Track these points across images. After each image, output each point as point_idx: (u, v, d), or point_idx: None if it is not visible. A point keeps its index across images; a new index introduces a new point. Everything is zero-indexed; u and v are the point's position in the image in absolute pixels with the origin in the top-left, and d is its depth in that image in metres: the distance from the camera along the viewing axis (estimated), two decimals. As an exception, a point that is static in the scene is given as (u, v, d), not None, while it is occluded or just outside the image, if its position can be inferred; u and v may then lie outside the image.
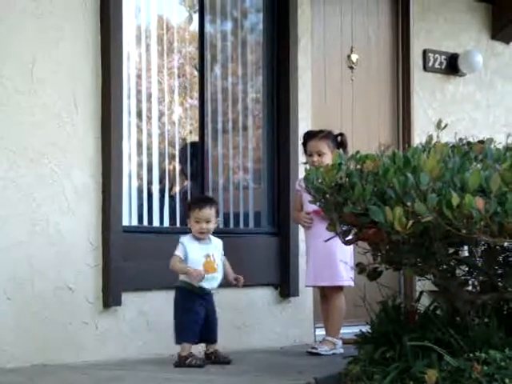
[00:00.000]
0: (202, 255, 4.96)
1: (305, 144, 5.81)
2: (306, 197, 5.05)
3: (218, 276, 5.00)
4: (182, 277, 4.96)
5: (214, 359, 4.96)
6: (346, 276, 5.56)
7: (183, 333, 4.92)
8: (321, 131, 5.80)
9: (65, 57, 5.26)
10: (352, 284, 5.58)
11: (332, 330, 5.66)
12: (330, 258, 5.55)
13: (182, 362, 4.84)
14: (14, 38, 5.07)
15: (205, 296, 4.97)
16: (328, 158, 5.54)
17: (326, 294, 5.73)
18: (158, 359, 5.12)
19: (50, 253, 5.13)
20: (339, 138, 5.73)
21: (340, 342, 5.61)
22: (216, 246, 5.06)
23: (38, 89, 5.14)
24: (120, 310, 5.38)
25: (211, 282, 4.95)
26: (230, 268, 5.14)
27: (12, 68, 5.04)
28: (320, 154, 5.64)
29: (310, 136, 5.79)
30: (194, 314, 4.92)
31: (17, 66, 5.06)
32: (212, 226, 5.03)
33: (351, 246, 5.24)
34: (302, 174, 5.86)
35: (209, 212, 4.99)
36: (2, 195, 4.98)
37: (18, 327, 4.98)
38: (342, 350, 5.52)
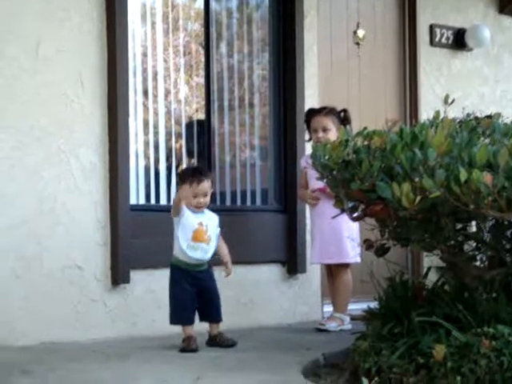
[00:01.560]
0: (196, 222, 4.84)
1: (308, 121, 5.80)
2: (312, 174, 5.04)
3: (208, 249, 4.85)
4: (174, 252, 4.88)
5: (219, 342, 4.86)
6: (352, 253, 5.57)
7: (174, 313, 4.83)
8: (324, 107, 5.79)
9: (70, 36, 5.25)
10: (358, 260, 5.59)
11: (339, 307, 5.67)
12: (336, 235, 5.55)
13: (181, 347, 4.73)
14: (19, 18, 5.06)
15: (197, 274, 4.85)
16: (333, 134, 5.53)
17: (333, 271, 5.73)
18: (166, 336, 5.14)
19: (58, 231, 5.15)
20: (342, 114, 5.72)
21: (348, 319, 5.63)
22: (210, 218, 4.93)
23: (44, 68, 5.14)
24: (128, 287, 5.40)
25: (197, 252, 4.81)
26: (226, 250, 4.98)
27: (17, 47, 5.04)
28: (325, 130, 5.64)
29: (313, 112, 5.78)
30: (183, 293, 4.81)
31: (22, 46, 5.06)
32: (208, 198, 4.89)
33: (357, 223, 5.25)
34: (308, 151, 5.85)
35: (206, 186, 4.86)
36: (9, 174, 4.99)
37: (27, 305, 5.01)
38: (349, 326, 5.54)
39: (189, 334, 4.78)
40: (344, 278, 5.66)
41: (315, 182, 5.17)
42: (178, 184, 5.02)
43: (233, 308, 5.56)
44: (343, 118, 5.70)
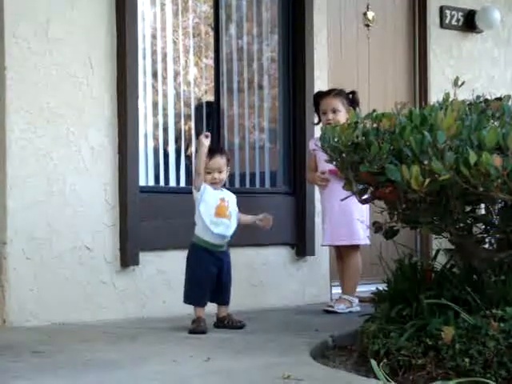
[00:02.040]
0: (217, 198, 4.84)
1: (316, 104, 5.78)
2: (321, 156, 5.05)
3: (230, 225, 4.85)
4: (196, 232, 4.90)
5: (227, 324, 4.87)
6: (362, 235, 5.58)
7: (192, 293, 4.82)
8: (333, 89, 5.78)
9: (80, 17, 5.25)
10: (368, 242, 5.60)
11: (348, 289, 5.69)
12: (347, 217, 5.56)
13: (191, 328, 4.73)
14: (29, -1, 5.06)
15: (219, 254, 4.86)
16: (342, 116, 5.52)
17: (342, 253, 5.74)
18: (176, 318, 5.16)
19: (68, 213, 5.17)
20: (351, 96, 5.70)
21: (356, 300, 5.64)
22: (230, 196, 4.93)
23: (54, 49, 5.14)
24: (138, 269, 5.43)
25: (219, 228, 4.80)
26: (249, 216, 5.03)
27: (27, 28, 5.04)
28: (335, 111, 5.63)
29: (322, 94, 5.77)
30: (205, 273, 4.81)
31: (32, 27, 5.06)
32: (224, 176, 4.89)
33: (367, 205, 5.25)
34: (317, 134, 5.85)
35: (219, 161, 4.85)
36: (19, 156, 5.01)
37: (37, 286, 5.03)
38: (358, 308, 5.55)
39: (200, 315, 4.80)
40: (354, 261, 5.67)
41: (325, 165, 5.16)
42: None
43: (242, 290, 5.58)
44: (352, 100, 5.69)
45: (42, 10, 5.09)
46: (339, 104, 5.65)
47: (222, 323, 4.89)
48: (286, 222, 6.17)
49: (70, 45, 5.20)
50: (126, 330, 4.86)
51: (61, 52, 5.16)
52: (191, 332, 4.71)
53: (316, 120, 5.89)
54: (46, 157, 5.10)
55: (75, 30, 5.23)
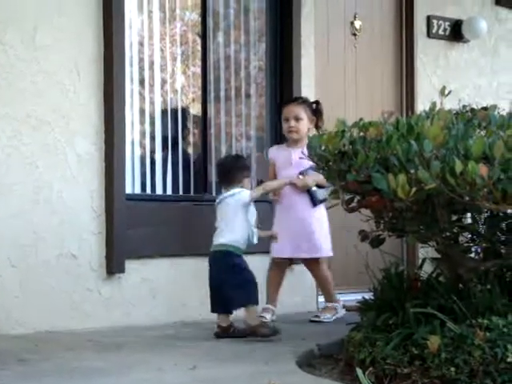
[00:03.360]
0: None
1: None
2: (280, 164, 5.16)
3: None
4: (233, 242, 4.92)
5: (233, 332, 4.85)
6: (324, 246, 5.52)
7: (256, 293, 4.93)
8: (298, 97, 5.78)
9: (67, 24, 5.24)
10: (331, 254, 5.57)
11: (328, 298, 5.68)
12: (306, 228, 5.48)
13: (265, 332, 4.75)
14: (16, 5, 5.04)
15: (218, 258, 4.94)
16: (304, 124, 5.52)
17: (307, 266, 5.68)
18: (162, 326, 5.15)
19: (54, 220, 5.15)
20: (315, 106, 5.65)
21: (340, 305, 5.63)
22: None
23: (40, 56, 5.12)
24: (123, 277, 5.41)
25: (255, 238, 5.05)
26: None
27: (14, 35, 5.03)
28: (297, 119, 5.57)
29: (286, 102, 5.76)
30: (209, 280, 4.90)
31: (19, 34, 5.05)
32: None
33: (326, 215, 5.40)
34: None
35: None
36: (5, 163, 4.99)
37: (23, 294, 5.01)
38: (343, 312, 5.54)
39: (231, 322, 4.86)
40: (320, 271, 5.62)
41: (283, 174, 5.26)
42: (246, 172, 5.12)
43: (228, 298, 5.55)
44: (315, 110, 5.64)
45: (29, 17, 5.08)
46: (302, 112, 5.58)
47: (227, 332, 4.87)
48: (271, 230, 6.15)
49: (56, 52, 5.19)
50: (112, 338, 4.84)
51: (47, 59, 5.15)
52: (268, 336, 4.70)
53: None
54: (32, 164, 5.08)
55: (62, 37, 5.21)
